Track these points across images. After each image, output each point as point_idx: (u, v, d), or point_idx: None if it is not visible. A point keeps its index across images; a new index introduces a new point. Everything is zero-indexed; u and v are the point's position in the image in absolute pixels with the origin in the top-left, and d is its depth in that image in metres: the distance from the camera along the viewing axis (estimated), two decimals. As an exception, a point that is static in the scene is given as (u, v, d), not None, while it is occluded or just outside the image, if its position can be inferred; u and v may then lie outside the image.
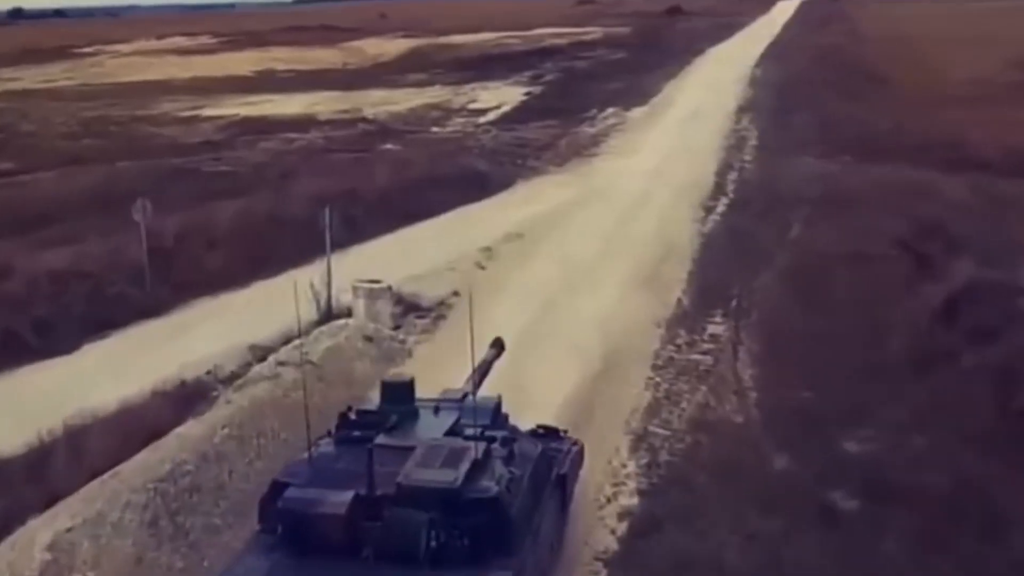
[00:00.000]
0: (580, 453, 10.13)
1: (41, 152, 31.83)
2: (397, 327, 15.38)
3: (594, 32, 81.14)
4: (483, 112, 39.55)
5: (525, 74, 51.57)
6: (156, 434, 11.47)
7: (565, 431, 10.07)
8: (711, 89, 44.06)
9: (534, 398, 11.64)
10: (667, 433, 12.25)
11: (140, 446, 10.94)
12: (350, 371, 13.29)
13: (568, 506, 9.58)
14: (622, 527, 10.05)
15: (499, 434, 8.26)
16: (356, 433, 8.09)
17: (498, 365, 10.74)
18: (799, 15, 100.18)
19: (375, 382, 12.52)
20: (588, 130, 34.94)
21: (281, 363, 12.97)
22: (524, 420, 9.56)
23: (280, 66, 62.85)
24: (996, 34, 59.68)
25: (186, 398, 12.93)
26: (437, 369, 11.46)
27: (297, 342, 13.82)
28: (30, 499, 9.96)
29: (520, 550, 7.49)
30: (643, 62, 56.16)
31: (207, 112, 41.26)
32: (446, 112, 39.81)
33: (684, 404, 13.17)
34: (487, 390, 9.48)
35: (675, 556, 9.29)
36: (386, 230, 21.17)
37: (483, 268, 18.68)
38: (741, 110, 38.91)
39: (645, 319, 15.95)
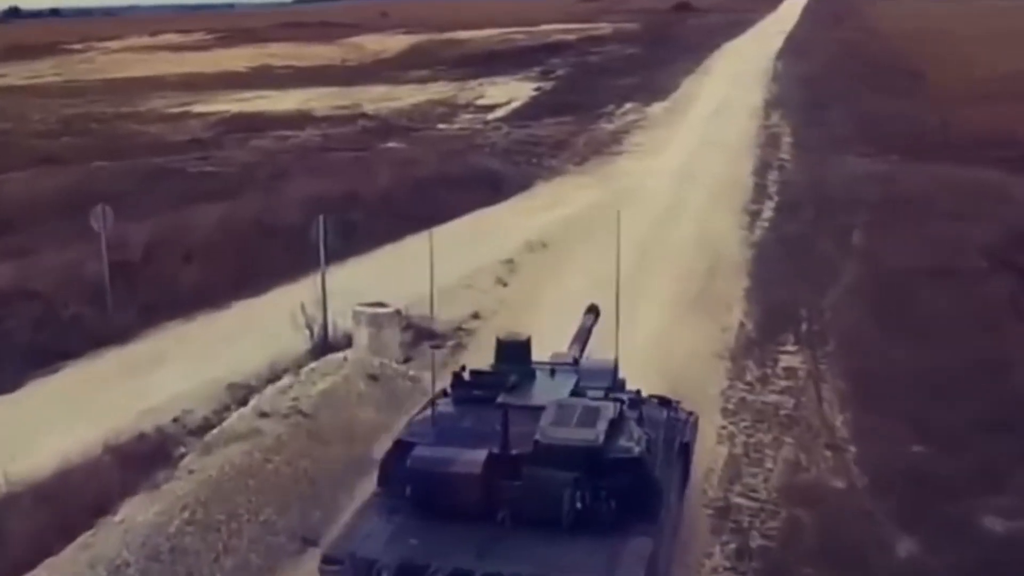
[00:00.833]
0: (696, 424, 9.43)
1: (14, 151, 29.09)
2: (407, 360, 12.68)
3: (603, 28, 78.40)
4: (492, 108, 36.86)
5: (534, 70, 48.87)
6: (99, 511, 8.81)
7: (678, 402, 9.20)
8: (733, 84, 41.38)
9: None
10: (754, 506, 9.58)
11: (72, 534, 8.26)
12: (350, 422, 10.59)
13: (688, 479, 8.82)
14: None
15: (626, 396, 7.82)
16: (476, 393, 7.65)
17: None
18: (809, 12, 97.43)
19: (381, 435, 10.03)
20: (607, 127, 32.26)
21: (263, 414, 10.26)
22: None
23: (276, 62, 60.11)
24: (1011, 30, 57.26)
25: (144, 457, 10.23)
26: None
27: (284, 383, 11.17)
28: None
29: (659, 515, 7.03)
30: (657, 57, 53.47)
31: (197, 109, 38.57)
32: (452, 108, 37.11)
33: (769, 463, 10.50)
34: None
35: None
36: (390, 238, 18.47)
37: (505, 285, 16.01)
38: (769, 105, 36.23)
39: (705, 348, 13.28)
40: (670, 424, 8.32)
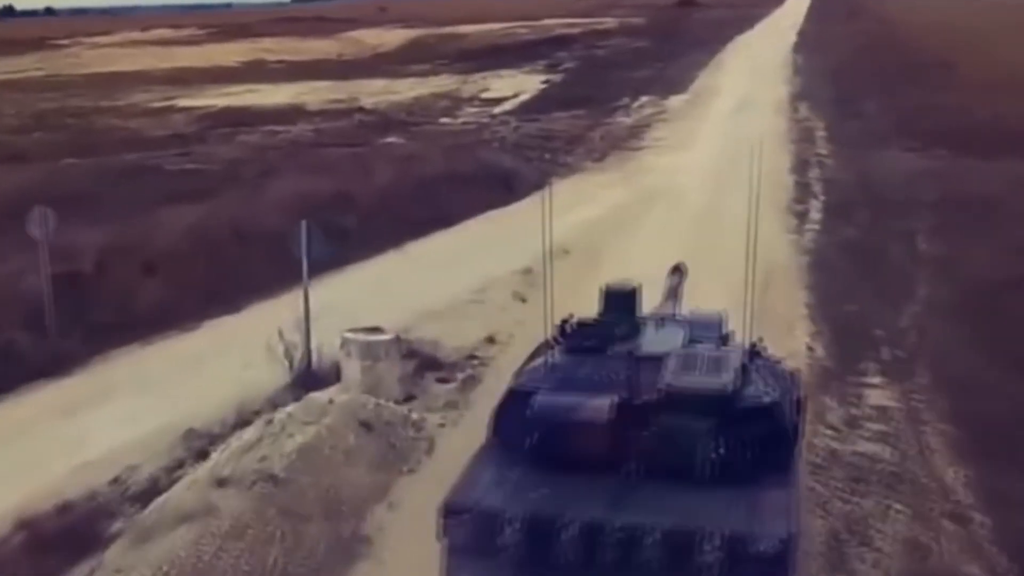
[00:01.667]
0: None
1: (-21, 148, 26.70)
2: (408, 399, 10.27)
3: (607, 22, 76.06)
4: (498, 101, 34.47)
5: (539, 63, 46.53)
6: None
7: (780, 360, 8.18)
8: (754, 77, 38.99)
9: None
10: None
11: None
12: (335, 491, 8.17)
13: (800, 439, 7.58)
14: None
15: (743, 347, 7.29)
16: (587, 343, 7.17)
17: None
18: (816, 8, 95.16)
19: (377, 512, 7.68)
20: (624, 120, 29.87)
21: (222, 481, 7.85)
22: None
23: (270, 57, 57.75)
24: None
25: (65, 538, 7.86)
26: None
27: (251, 435, 8.78)
28: None
29: (793, 465, 6.51)
30: (667, 51, 51.12)
31: (182, 103, 36.19)
32: (455, 102, 34.72)
33: (879, 542, 8.09)
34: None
35: None
36: (389, 244, 16.13)
37: (524, 300, 13.58)
38: (796, 98, 33.85)
39: (773, 382, 10.85)
40: (786, 377, 7.62)
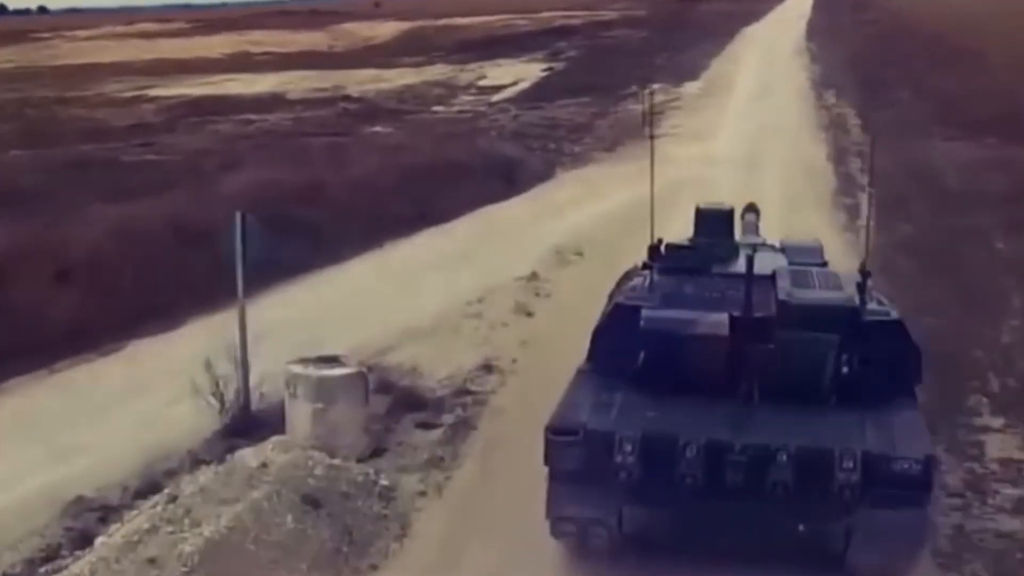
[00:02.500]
0: None
1: (-78, 139, 23.98)
2: (376, 453, 7.62)
3: (608, 14, 73.34)
4: (497, 89, 31.85)
5: (540, 52, 43.81)
6: None
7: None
8: (770, 64, 36.41)
9: None
10: None
11: None
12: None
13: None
14: None
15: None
16: (687, 264, 6.78)
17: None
18: (822, 2, 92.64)
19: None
20: (636, 108, 27.13)
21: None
22: None
23: (256, 49, 55.05)
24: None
25: None
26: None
27: (140, 523, 6.16)
28: None
29: (919, 384, 6.27)
30: (674, 41, 48.41)
31: (154, 93, 33.55)
32: (450, 90, 32.11)
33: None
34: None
35: None
36: (368, 245, 13.51)
37: (530, 314, 10.93)
38: (819, 85, 31.24)
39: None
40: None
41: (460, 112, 27.12)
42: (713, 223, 7.41)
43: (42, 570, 6.25)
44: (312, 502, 6.38)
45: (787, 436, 5.49)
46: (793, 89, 30.09)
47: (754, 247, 6.90)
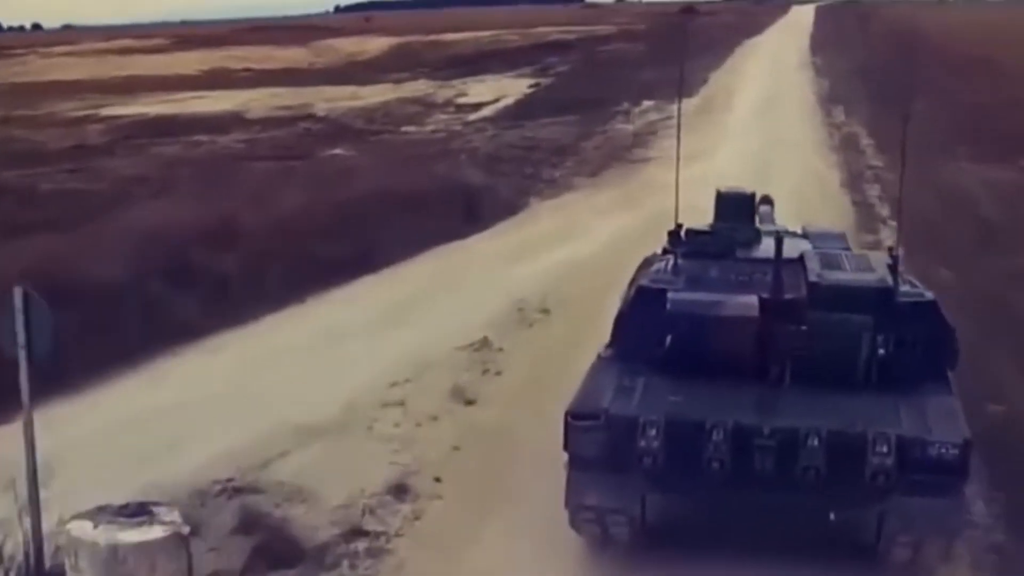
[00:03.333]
0: None
1: None
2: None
3: (606, 28, 71.19)
4: (476, 107, 29.42)
5: (528, 68, 41.46)
6: None
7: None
8: (773, 78, 34.02)
9: None
10: None
11: None
12: None
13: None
14: None
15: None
16: (709, 249, 6.63)
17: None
18: (823, 16, 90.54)
19: None
20: (624, 127, 24.81)
21: None
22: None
23: (235, 65, 52.73)
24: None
25: None
26: None
27: None
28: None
29: (955, 367, 6.07)
30: (670, 53, 45.98)
31: (109, 112, 31.13)
32: (426, 108, 29.66)
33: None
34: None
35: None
36: (282, 302, 10.99)
37: (471, 402, 8.38)
38: (826, 101, 28.85)
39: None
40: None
41: (433, 132, 24.69)
42: (734, 208, 7.17)
43: None
44: None
45: (818, 419, 5.30)
46: (798, 105, 27.69)
47: (778, 232, 6.70)
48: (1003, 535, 6.36)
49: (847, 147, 21.46)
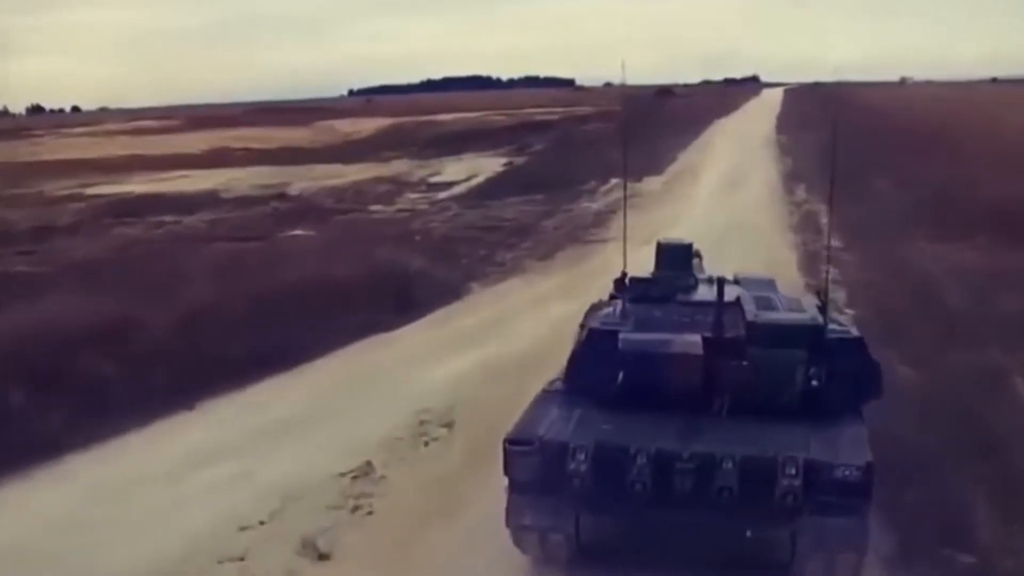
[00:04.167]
0: None
1: None
2: None
3: (586, 109, 70.16)
4: (448, 186, 27.75)
5: (508, 146, 40.00)
6: None
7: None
8: (738, 156, 32.44)
9: None
10: None
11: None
12: None
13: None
14: None
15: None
16: (652, 294, 6.80)
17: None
18: (792, 98, 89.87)
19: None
20: (588, 206, 23.07)
21: None
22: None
23: (237, 144, 51.42)
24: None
25: None
26: None
27: None
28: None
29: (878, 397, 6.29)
30: (646, 133, 44.68)
31: (94, 191, 29.51)
32: (398, 186, 27.98)
33: None
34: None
35: None
36: (163, 410, 9.05)
37: (324, 557, 6.39)
38: (789, 178, 27.21)
39: None
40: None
41: (398, 211, 22.96)
42: (673, 257, 7.36)
43: None
44: None
45: (735, 445, 5.40)
46: (760, 184, 26.00)
47: (714, 278, 6.79)
48: None
49: (806, 227, 19.69)
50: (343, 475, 7.47)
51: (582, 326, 6.73)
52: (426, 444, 8.23)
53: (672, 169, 29.66)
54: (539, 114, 65.52)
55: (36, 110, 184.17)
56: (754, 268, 15.58)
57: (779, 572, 5.56)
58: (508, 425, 8.43)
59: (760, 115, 60.22)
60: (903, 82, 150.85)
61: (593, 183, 27.16)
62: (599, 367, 5.98)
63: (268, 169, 34.93)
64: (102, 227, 21.63)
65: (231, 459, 7.89)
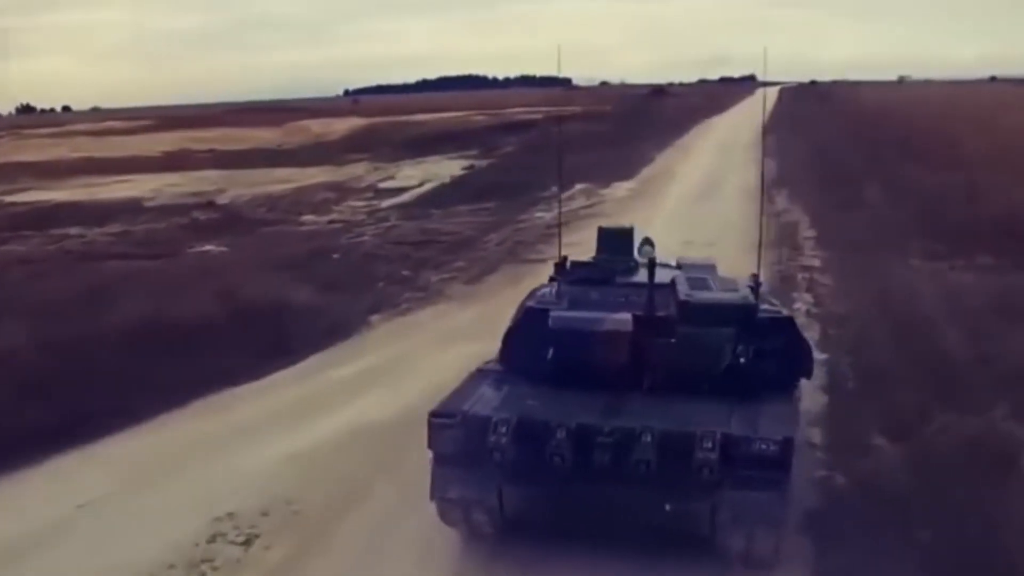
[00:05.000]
0: None
1: None
2: None
3: (574, 108, 67.70)
4: (397, 192, 25.36)
5: (478, 148, 37.56)
6: None
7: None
8: (719, 158, 30.05)
9: None
10: None
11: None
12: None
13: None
14: None
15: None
16: (591, 276, 6.89)
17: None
18: (787, 97, 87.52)
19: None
20: (542, 216, 20.66)
21: None
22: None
23: (201, 146, 49.01)
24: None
25: None
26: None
27: None
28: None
29: (809, 377, 6.62)
30: (627, 133, 42.33)
31: (12, 198, 27.06)
32: (343, 193, 25.58)
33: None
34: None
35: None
36: None
37: None
38: (770, 184, 24.62)
39: None
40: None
41: (330, 222, 20.55)
42: (614, 241, 7.33)
43: None
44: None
45: (655, 420, 5.46)
46: (738, 191, 23.53)
47: (652, 259, 6.82)
48: None
49: (783, 242, 17.30)
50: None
51: (520, 307, 6.77)
52: (218, 556, 5.85)
53: (645, 174, 27.26)
54: (523, 114, 63.03)
55: (26, 110, 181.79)
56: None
57: (701, 546, 5.60)
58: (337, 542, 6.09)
59: (750, 115, 57.80)
60: (901, 81, 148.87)
61: (555, 188, 24.77)
62: (532, 345, 6.07)
63: (216, 173, 32.54)
64: (-5, 241, 19.23)
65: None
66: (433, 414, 5.70)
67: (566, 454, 5.37)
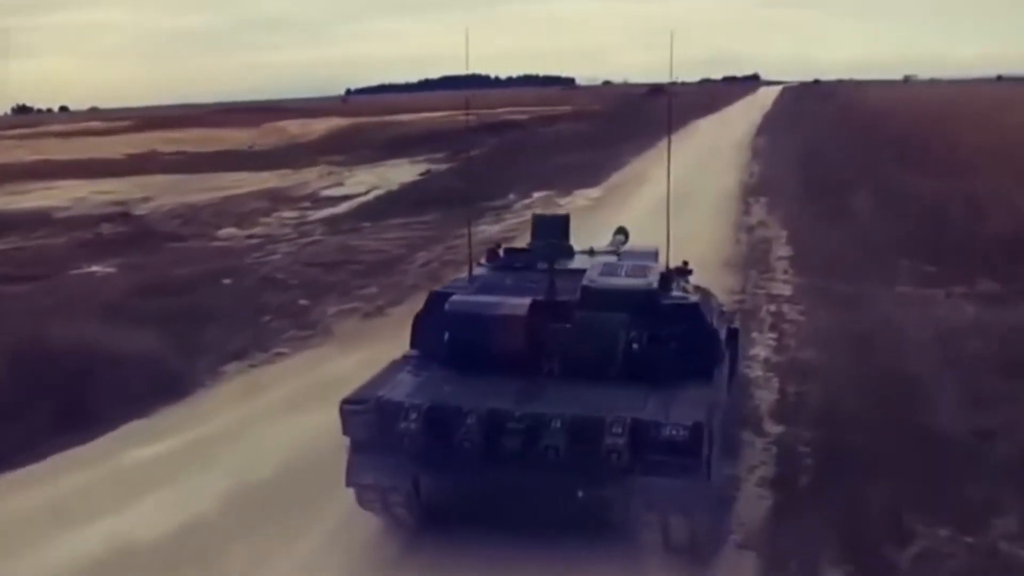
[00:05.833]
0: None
1: None
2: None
3: (563, 108, 65.43)
4: (337, 201, 23.07)
5: (447, 151, 35.20)
6: None
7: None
8: (699, 163, 27.56)
9: None
10: None
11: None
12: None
13: (736, 372, 7.67)
14: None
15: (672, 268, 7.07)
16: (515, 264, 6.97)
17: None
18: (787, 96, 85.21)
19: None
20: (489, 229, 18.30)
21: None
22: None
23: (170, 148, 46.84)
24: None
25: None
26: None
27: None
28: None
29: (717, 368, 6.33)
30: (609, 134, 40.02)
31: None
32: (276, 202, 23.24)
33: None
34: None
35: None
36: None
37: None
38: (749, 192, 22.42)
39: None
40: (718, 304, 7.61)
41: (248, 237, 18.23)
42: (549, 228, 7.13)
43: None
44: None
45: (565, 406, 5.46)
46: (712, 200, 21.21)
47: (591, 250, 7.20)
48: None
49: (753, 262, 14.97)
50: None
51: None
52: None
53: (613, 181, 24.88)
54: (509, 114, 60.67)
55: (22, 110, 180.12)
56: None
57: (617, 534, 5.54)
58: None
59: (745, 115, 55.50)
60: (907, 80, 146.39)
61: (512, 196, 22.50)
62: (437, 330, 6.05)
63: (164, 178, 30.30)
64: None
65: None
66: (345, 401, 5.66)
67: (476, 440, 5.34)
